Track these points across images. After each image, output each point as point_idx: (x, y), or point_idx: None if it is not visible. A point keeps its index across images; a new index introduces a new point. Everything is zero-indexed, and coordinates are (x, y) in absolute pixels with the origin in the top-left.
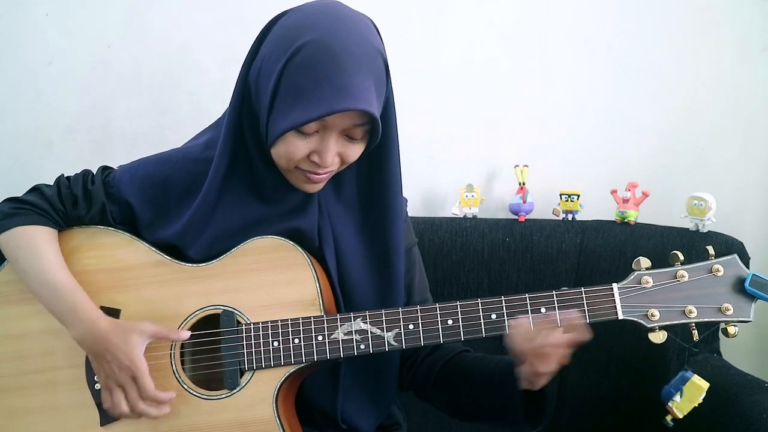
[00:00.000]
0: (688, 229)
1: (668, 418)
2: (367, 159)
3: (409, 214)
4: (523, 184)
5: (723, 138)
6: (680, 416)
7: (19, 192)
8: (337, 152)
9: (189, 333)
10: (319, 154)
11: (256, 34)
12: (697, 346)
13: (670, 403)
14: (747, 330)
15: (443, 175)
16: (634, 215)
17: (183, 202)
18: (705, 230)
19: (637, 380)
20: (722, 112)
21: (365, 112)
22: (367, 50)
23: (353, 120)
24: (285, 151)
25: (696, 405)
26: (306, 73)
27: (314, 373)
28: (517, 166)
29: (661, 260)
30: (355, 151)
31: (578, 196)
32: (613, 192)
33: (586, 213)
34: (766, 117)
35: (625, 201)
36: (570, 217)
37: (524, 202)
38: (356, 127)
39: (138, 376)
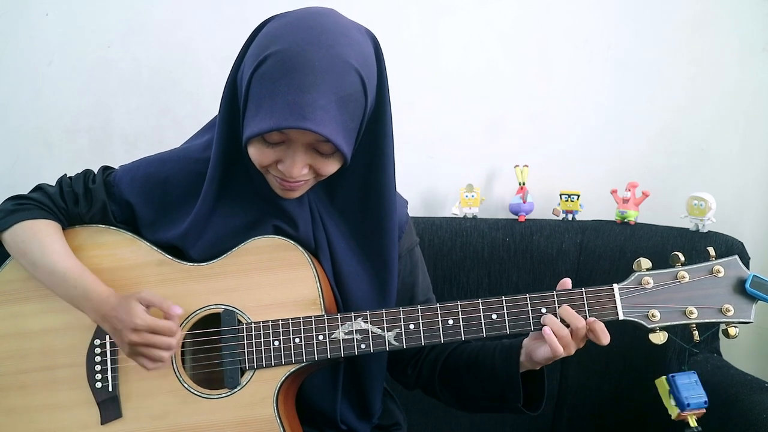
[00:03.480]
0: (688, 229)
1: (694, 423)
2: (360, 168)
3: (410, 215)
4: (523, 184)
5: (723, 138)
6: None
7: (20, 192)
8: (307, 164)
9: (181, 309)
10: (284, 164)
11: None
12: (698, 346)
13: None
14: (747, 330)
15: (443, 175)
16: (634, 215)
17: (184, 203)
18: (705, 230)
19: (637, 380)
20: (722, 112)
21: (312, 132)
22: (334, 66)
23: (315, 136)
24: (255, 156)
25: None
26: (265, 85)
27: (314, 374)
28: (517, 166)
29: (661, 260)
30: (328, 166)
31: (578, 196)
32: (613, 192)
33: (586, 213)
34: (766, 117)
35: (625, 201)
36: (570, 217)
37: (524, 202)
38: (321, 143)
39: (152, 325)
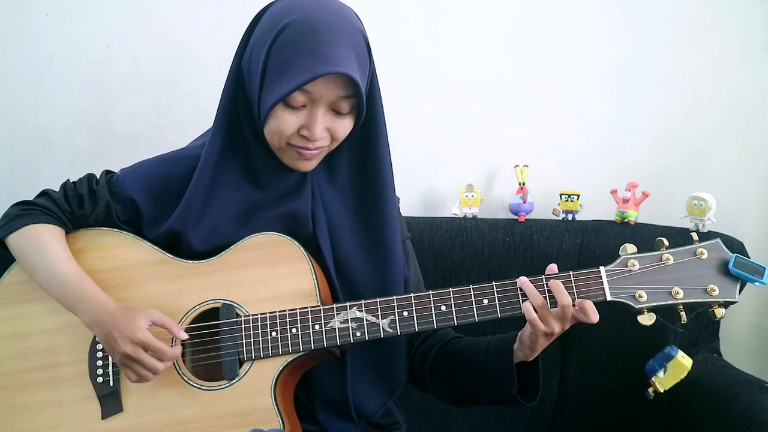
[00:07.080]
0: (688, 229)
1: (650, 390)
2: (357, 141)
3: (410, 215)
4: (523, 184)
5: (723, 138)
6: (662, 390)
7: (20, 192)
8: (325, 127)
9: (187, 335)
10: (308, 127)
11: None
12: (697, 346)
13: (653, 378)
14: (747, 330)
15: (443, 175)
16: (634, 215)
17: (183, 192)
18: (705, 230)
19: (637, 380)
20: (722, 112)
21: (347, 76)
22: (347, 27)
23: (338, 91)
24: (276, 126)
25: (678, 381)
26: (290, 49)
27: (321, 365)
28: (517, 166)
29: None
30: (343, 126)
31: (578, 196)
32: (613, 192)
33: (586, 213)
34: (766, 117)
35: (625, 201)
36: (570, 217)
37: (524, 202)
38: (342, 99)
39: (149, 343)
